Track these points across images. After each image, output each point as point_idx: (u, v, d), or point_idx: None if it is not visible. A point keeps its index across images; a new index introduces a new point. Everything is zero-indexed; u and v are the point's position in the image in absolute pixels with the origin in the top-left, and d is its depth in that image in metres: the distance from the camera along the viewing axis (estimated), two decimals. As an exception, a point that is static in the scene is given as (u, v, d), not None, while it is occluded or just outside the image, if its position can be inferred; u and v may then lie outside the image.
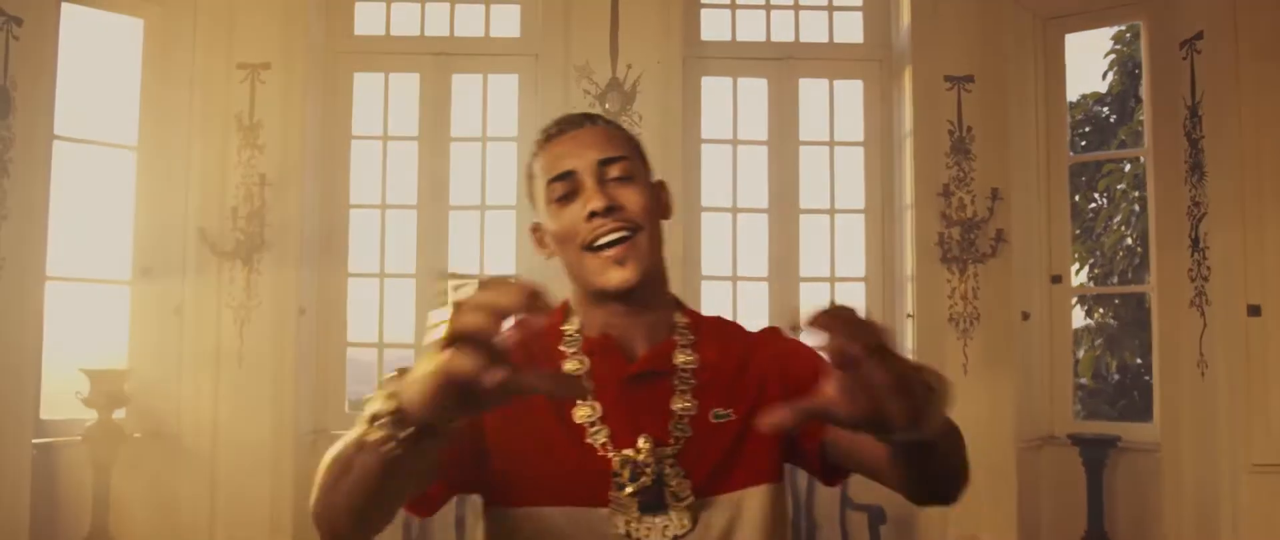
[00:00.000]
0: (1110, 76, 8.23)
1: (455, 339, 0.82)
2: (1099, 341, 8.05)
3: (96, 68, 4.77)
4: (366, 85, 5.08)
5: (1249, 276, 4.00)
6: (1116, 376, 8.46)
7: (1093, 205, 8.51)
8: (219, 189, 4.63)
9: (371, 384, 5.10)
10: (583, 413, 1.25)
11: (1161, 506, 4.45)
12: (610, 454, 1.22)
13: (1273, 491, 3.89)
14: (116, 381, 4.35)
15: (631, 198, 1.24)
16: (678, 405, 1.25)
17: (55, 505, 4.31)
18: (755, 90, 5.13)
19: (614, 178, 1.25)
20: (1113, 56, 8.09)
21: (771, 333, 1.37)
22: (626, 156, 1.26)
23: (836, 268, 5.13)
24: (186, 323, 4.62)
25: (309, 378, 4.79)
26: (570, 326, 1.31)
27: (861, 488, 3.94)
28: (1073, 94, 8.45)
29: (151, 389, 4.53)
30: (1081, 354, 8.16)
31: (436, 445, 0.93)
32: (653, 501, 1.20)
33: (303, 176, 4.71)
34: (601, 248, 1.23)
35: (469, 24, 5.09)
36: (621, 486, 1.20)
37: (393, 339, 5.02)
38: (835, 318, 0.83)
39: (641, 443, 1.22)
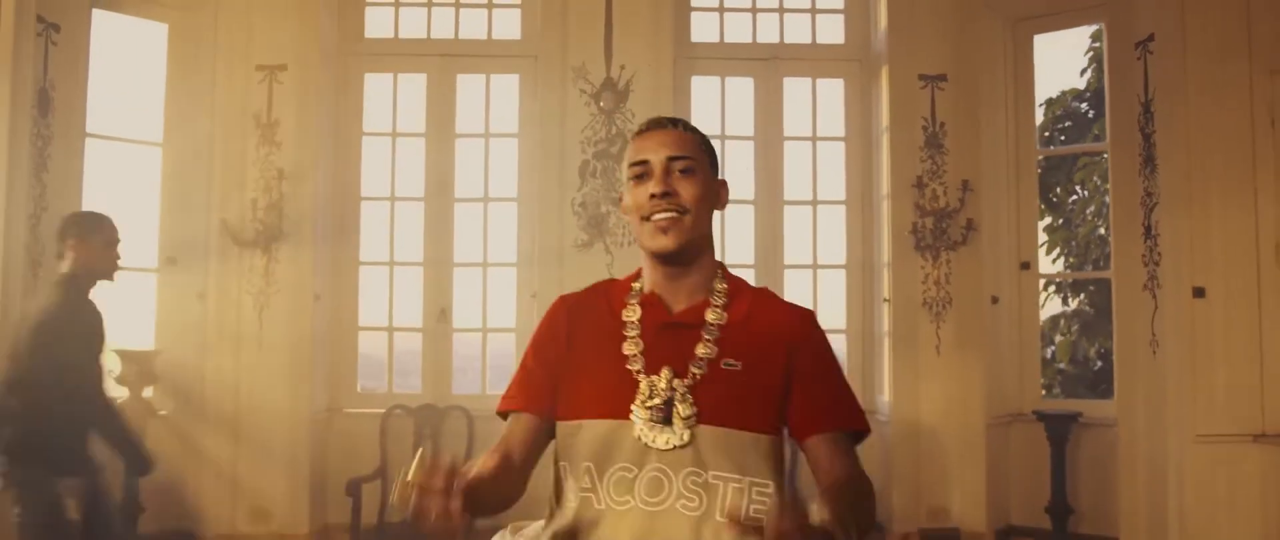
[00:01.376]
0: (1088, 73, 8.48)
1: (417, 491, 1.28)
2: (1075, 327, 8.32)
3: (125, 70, 5.05)
4: (376, 85, 5.38)
5: (1195, 261, 4.28)
6: (1099, 363, 8.68)
7: (1073, 197, 8.77)
8: (239, 182, 4.93)
9: (381, 377, 5.40)
10: (629, 348, 1.61)
11: (1118, 476, 4.75)
12: (640, 378, 1.58)
13: (1215, 459, 4.18)
14: (146, 362, 4.66)
15: (688, 188, 1.59)
16: (700, 350, 1.59)
17: (91, 476, 4.60)
18: (742, 89, 5.41)
19: (679, 171, 1.59)
20: (1091, 54, 8.34)
21: (804, 316, 1.67)
22: (691, 157, 1.61)
23: (818, 255, 5.42)
24: (210, 307, 4.93)
25: (324, 359, 5.09)
26: (637, 284, 1.68)
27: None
28: (1053, 90, 8.71)
29: (178, 368, 4.84)
30: (1058, 339, 8.39)
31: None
32: (662, 418, 1.54)
33: (317, 171, 5.00)
34: (655, 219, 1.58)
35: (472, 27, 5.39)
36: (641, 402, 1.55)
37: (401, 323, 5.31)
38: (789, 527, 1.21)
39: (664, 372, 1.57)
